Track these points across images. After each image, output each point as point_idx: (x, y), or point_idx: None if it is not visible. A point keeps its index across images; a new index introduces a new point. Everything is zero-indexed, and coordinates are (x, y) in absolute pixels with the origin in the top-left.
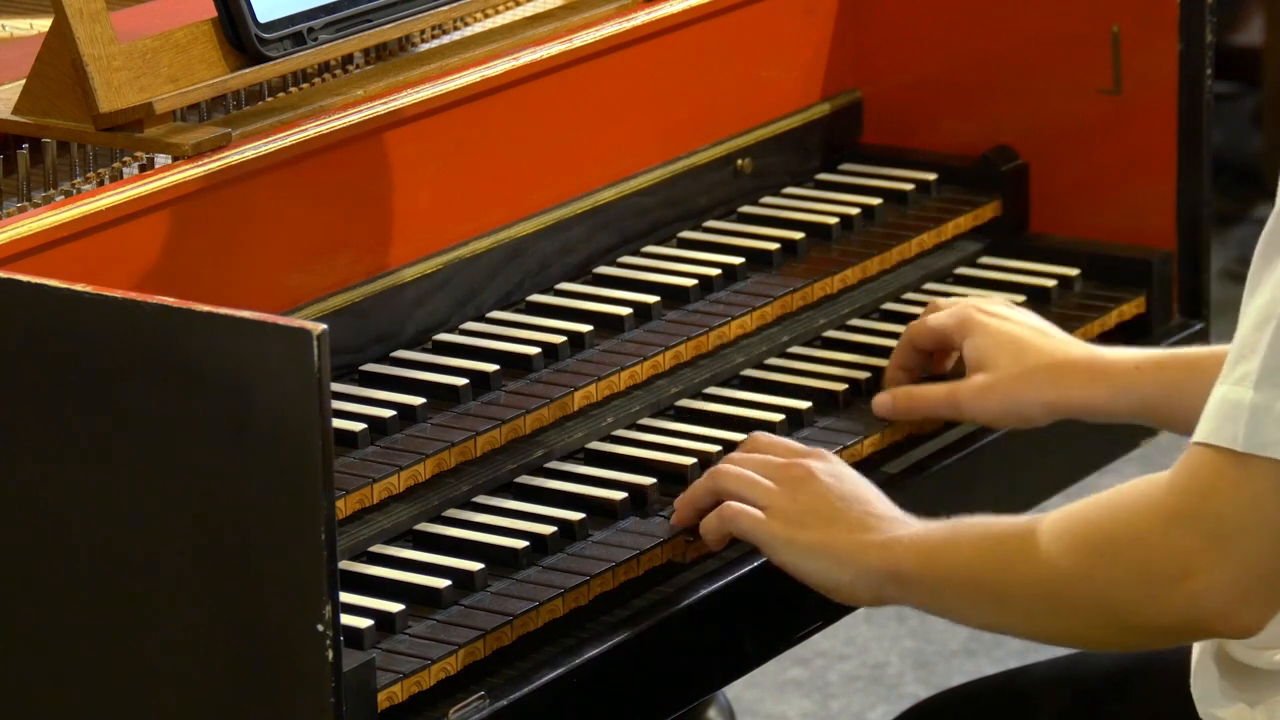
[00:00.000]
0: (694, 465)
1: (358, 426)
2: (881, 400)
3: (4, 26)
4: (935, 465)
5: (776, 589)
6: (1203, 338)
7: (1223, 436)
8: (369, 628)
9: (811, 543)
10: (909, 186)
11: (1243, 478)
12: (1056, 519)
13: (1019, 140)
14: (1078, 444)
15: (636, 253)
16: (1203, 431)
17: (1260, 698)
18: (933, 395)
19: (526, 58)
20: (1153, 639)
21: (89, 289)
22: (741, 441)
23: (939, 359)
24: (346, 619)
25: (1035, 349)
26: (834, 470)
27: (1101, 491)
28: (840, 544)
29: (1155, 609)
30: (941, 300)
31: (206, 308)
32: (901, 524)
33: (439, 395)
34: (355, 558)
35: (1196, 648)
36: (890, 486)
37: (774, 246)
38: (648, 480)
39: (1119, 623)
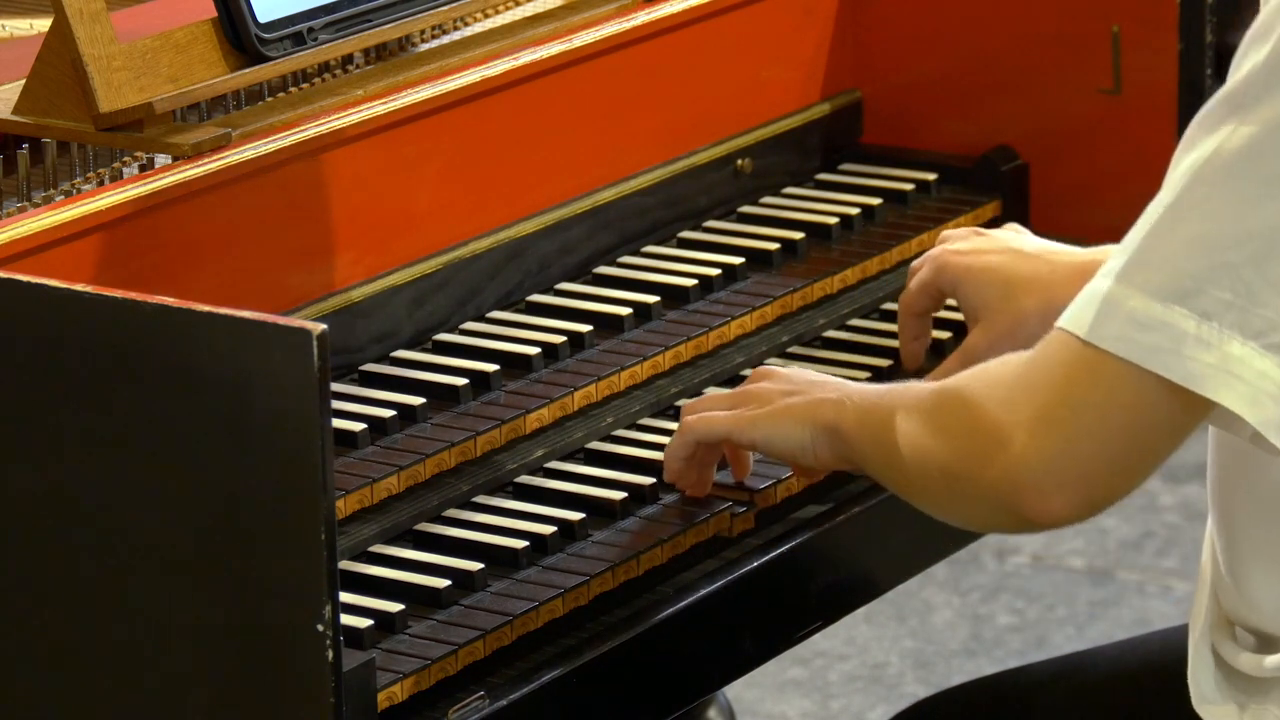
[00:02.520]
0: None
1: (358, 426)
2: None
3: (4, 26)
4: None
5: (776, 589)
6: None
7: (1075, 322)
8: (369, 628)
9: (773, 411)
10: (909, 186)
11: (1082, 365)
12: (940, 384)
13: (1019, 140)
14: None
15: (636, 253)
16: (1064, 314)
17: (1250, 700)
18: (949, 370)
19: (526, 58)
20: (978, 506)
21: (89, 289)
22: None
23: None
24: (346, 619)
25: (1019, 279)
26: (786, 371)
27: None
28: (798, 405)
29: (975, 472)
30: (915, 262)
31: (206, 308)
32: (859, 387)
33: (439, 395)
34: (355, 558)
35: (1192, 645)
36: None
37: (774, 246)
38: (648, 480)
39: (949, 484)
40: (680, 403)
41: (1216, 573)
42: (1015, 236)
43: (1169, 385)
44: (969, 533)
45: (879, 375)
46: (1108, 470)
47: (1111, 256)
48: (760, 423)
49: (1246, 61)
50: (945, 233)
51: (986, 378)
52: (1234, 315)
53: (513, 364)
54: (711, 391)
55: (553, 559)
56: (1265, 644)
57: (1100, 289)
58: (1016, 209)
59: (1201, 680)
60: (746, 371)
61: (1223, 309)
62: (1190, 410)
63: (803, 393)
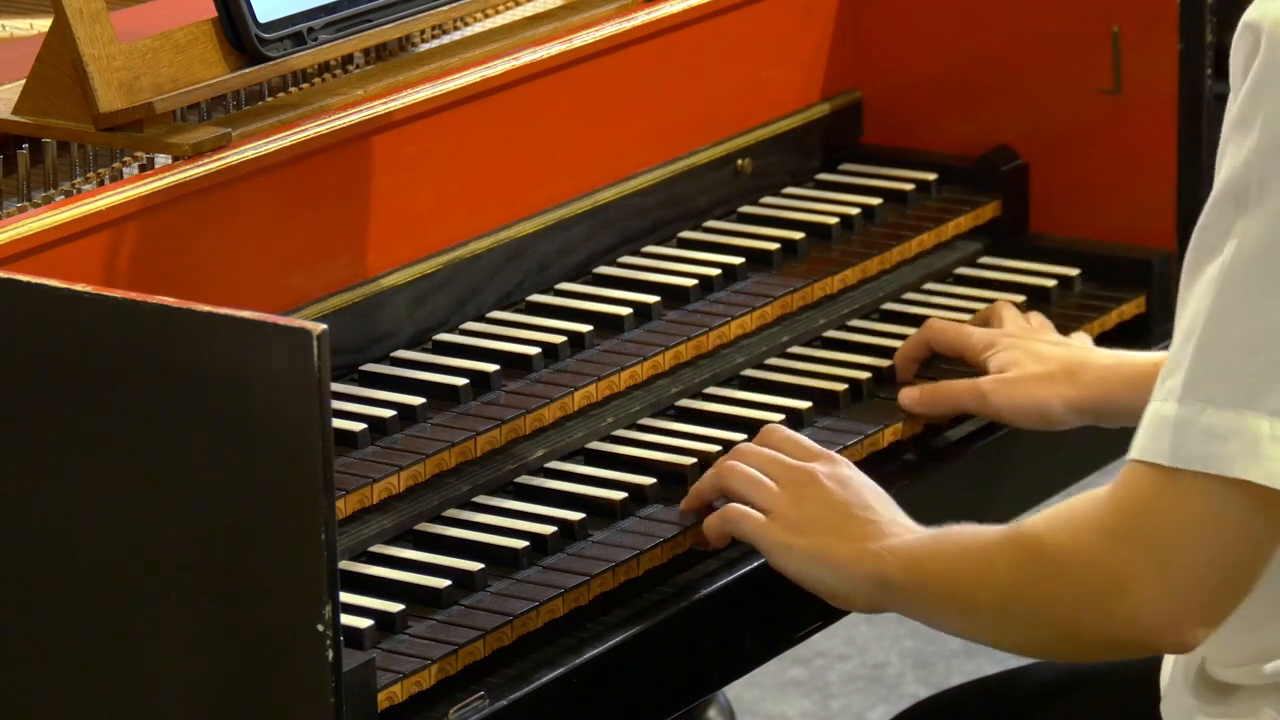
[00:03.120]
0: (694, 465)
1: (358, 426)
2: (908, 394)
3: (4, 26)
4: (931, 470)
5: (776, 589)
6: None
7: (1151, 452)
8: (369, 628)
9: (810, 549)
10: (909, 186)
11: (1173, 492)
12: (1011, 533)
13: (1019, 140)
14: (1077, 445)
15: (636, 253)
16: (1135, 447)
17: (1237, 709)
18: (957, 389)
19: (526, 58)
20: (1103, 651)
21: (89, 289)
22: (748, 437)
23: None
24: (346, 619)
25: (1057, 354)
26: (839, 474)
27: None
28: (836, 552)
29: (1096, 623)
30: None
31: (206, 308)
32: (899, 531)
33: (439, 395)
34: (355, 558)
35: (1167, 666)
36: (890, 484)
37: (774, 246)
38: (648, 480)
39: (1066, 635)
40: (681, 403)
41: None
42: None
43: (1257, 489)
44: None
45: (879, 375)
46: (1223, 589)
47: (1160, 379)
48: (796, 556)
49: (1233, 152)
50: (1003, 315)
51: (1069, 525)
52: None
53: (513, 364)
54: (748, 445)
55: (553, 559)
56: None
57: (1168, 413)
58: (1016, 209)
59: (1179, 702)
60: (747, 372)
61: None
62: None
63: (840, 531)
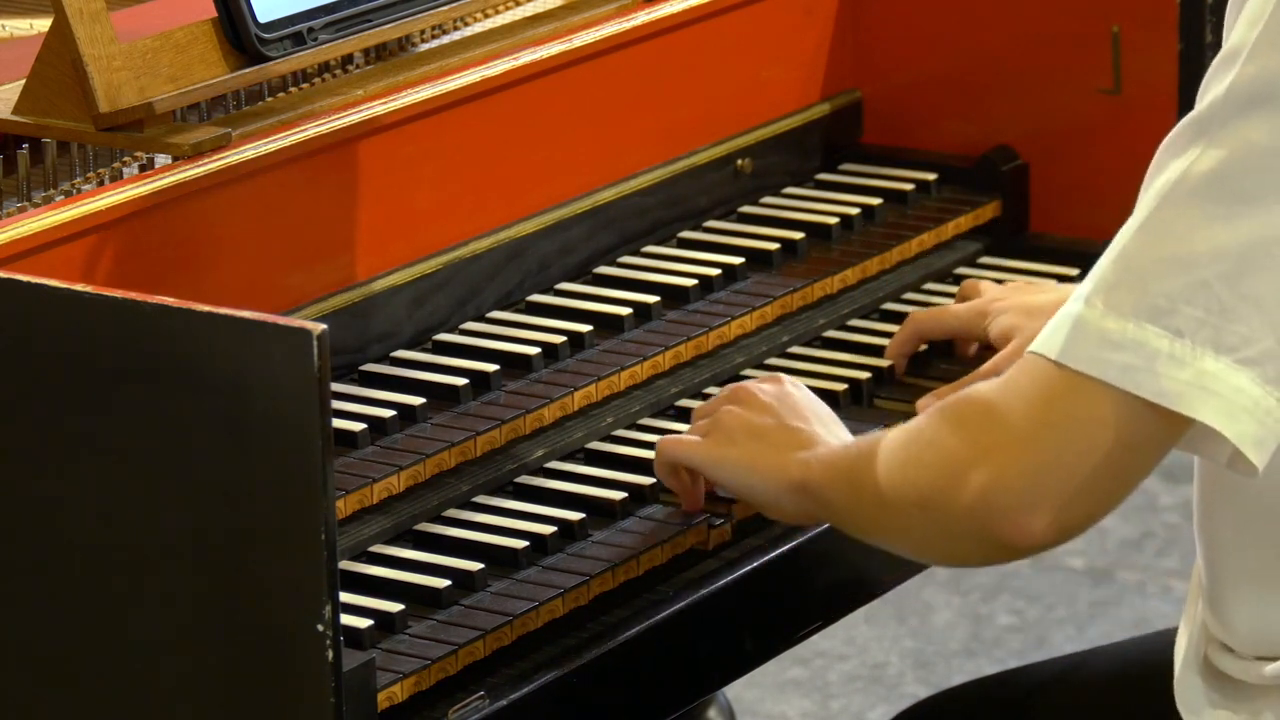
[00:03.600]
0: None
1: (358, 426)
2: (926, 403)
3: (4, 26)
4: None
5: (776, 589)
6: None
7: (1044, 345)
8: (369, 628)
9: (739, 458)
10: (909, 186)
11: (1055, 387)
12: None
13: (1019, 140)
14: None
15: (636, 253)
16: (1036, 339)
17: (1242, 706)
18: (979, 378)
19: (526, 58)
20: (949, 541)
21: (89, 289)
22: None
23: (961, 346)
24: (346, 619)
25: (1049, 302)
26: (779, 390)
27: None
28: (765, 459)
29: (952, 492)
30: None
31: (206, 308)
32: (831, 443)
33: (439, 395)
34: (355, 558)
35: (1179, 657)
36: None
37: (774, 246)
38: (648, 480)
39: (922, 504)
40: (681, 403)
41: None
42: (1063, 286)
43: (1143, 404)
44: None
45: (879, 375)
46: (1084, 491)
47: (1086, 280)
48: (727, 466)
49: (1214, 85)
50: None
51: (956, 408)
52: (1207, 332)
53: (513, 364)
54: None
55: (553, 559)
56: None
57: (1072, 311)
58: (1016, 209)
59: (1189, 695)
60: (747, 372)
61: (1196, 326)
62: (1165, 429)
63: (769, 439)
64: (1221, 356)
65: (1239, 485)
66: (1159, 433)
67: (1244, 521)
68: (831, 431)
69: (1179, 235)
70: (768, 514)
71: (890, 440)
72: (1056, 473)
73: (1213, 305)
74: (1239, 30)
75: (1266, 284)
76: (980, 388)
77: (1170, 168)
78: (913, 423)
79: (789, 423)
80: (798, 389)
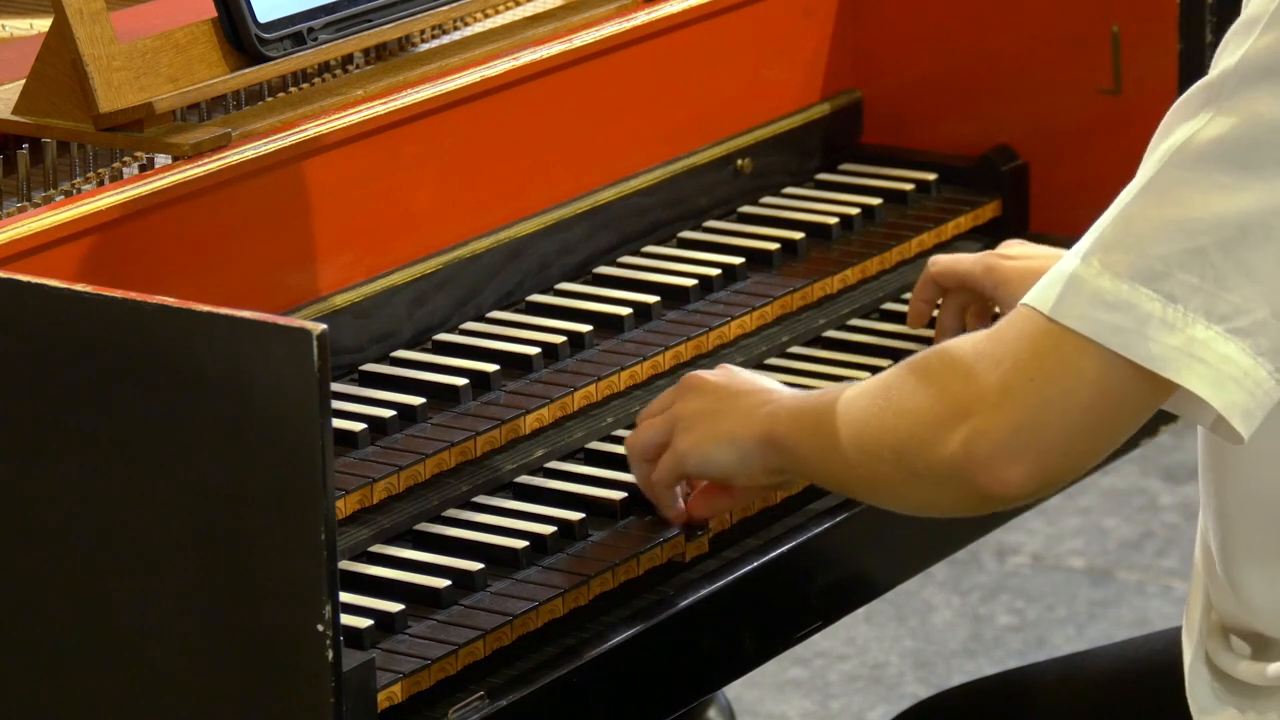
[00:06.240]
0: None
1: (358, 426)
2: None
3: (4, 26)
4: None
5: (776, 589)
6: None
7: (1038, 299)
8: (369, 628)
9: (702, 437)
10: (909, 186)
11: (1045, 341)
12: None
13: (1019, 140)
14: None
15: (636, 253)
16: (1030, 292)
17: (1251, 705)
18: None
19: (526, 58)
20: (925, 489)
21: (89, 289)
22: None
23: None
24: (346, 619)
25: (1054, 250)
26: (724, 372)
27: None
28: (728, 425)
29: (932, 442)
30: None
31: (206, 308)
32: (791, 394)
33: (439, 395)
34: (355, 558)
35: (1187, 654)
36: None
37: (774, 246)
38: None
39: (901, 465)
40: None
41: (1211, 575)
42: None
43: (1131, 366)
44: (969, 532)
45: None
46: (1066, 446)
47: (1085, 236)
48: (691, 454)
49: (1227, 54)
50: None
51: (944, 355)
52: (1200, 299)
53: (513, 364)
54: (642, 415)
55: (553, 559)
56: (1262, 649)
57: (1067, 268)
58: (1016, 209)
59: (1199, 691)
60: None
61: (1189, 292)
62: (1151, 392)
63: (726, 409)
64: (1213, 325)
65: (1251, 457)
66: (1144, 394)
67: (1254, 496)
68: (789, 390)
69: (1180, 200)
70: (739, 483)
71: (860, 390)
72: (1040, 426)
73: (1208, 273)
74: (1257, 1)
75: (1264, 256)
76: (960, 340)
77: (1178, 131)
78: (883, 375)
79: (743, 389)
80: (743, 370)
